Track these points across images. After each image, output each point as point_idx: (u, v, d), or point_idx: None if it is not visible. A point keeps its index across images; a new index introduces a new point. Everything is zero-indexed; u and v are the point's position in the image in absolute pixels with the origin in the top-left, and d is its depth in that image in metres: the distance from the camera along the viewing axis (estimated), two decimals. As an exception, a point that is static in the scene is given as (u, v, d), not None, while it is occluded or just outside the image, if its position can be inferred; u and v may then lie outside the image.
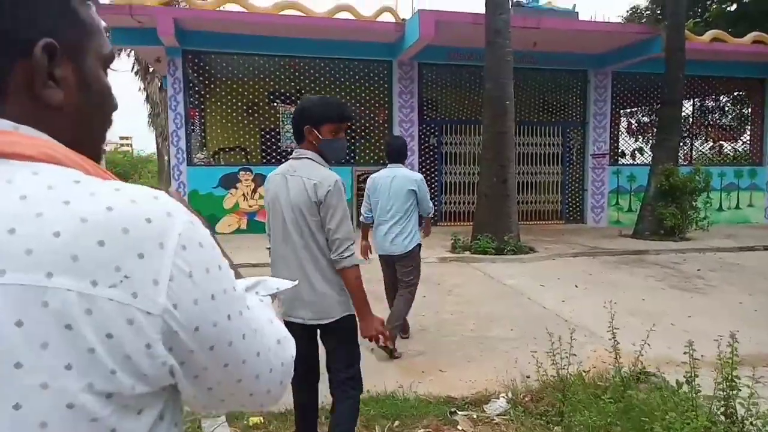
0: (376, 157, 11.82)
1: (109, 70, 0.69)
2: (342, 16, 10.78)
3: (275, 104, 11.60)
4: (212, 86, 12.34)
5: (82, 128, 0.64)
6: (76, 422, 0.51)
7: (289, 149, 11.69)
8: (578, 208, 13.18)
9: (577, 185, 13.18)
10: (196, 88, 11.38)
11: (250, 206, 11.00)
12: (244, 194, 10.96)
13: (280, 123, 11.44)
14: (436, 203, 12.25)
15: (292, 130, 2.36)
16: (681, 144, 14.73)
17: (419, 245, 4.40)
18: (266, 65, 11.38)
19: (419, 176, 4.42)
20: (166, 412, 0.61)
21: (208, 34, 10.47)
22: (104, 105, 0.67)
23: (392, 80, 11.69)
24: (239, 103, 11.39)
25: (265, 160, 12.14)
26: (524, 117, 13.12)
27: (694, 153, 14.40)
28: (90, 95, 0.64)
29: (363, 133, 11.84)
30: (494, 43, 8.81)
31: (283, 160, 2.60)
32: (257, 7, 10.49)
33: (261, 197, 10.98)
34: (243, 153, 12.92)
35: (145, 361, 0.54)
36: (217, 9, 10.16)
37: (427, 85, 12.12)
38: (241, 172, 10.97)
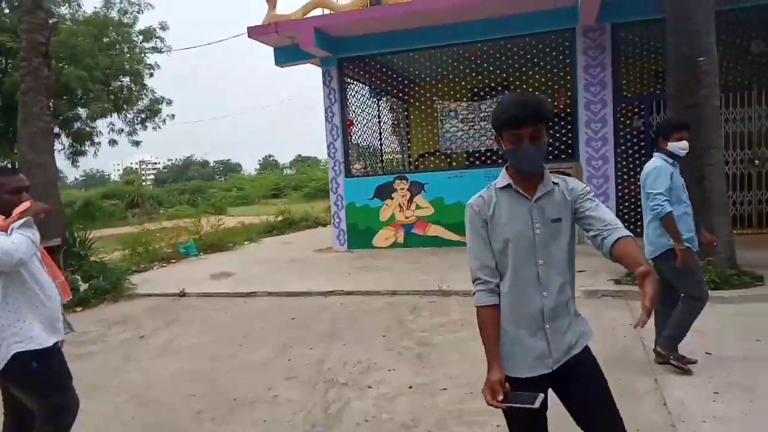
0: (556, 152, 9.50)
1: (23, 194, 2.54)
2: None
3: (440, 103, 10.33)
4: (407, 90, 11.97)
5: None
6: None
7: (449, 150, 10.39)
8: None
9: None
10: (366, 95, 11.02)
11: (407, 218, 10.05)
12: (399, 205, 10.06)
13: (438, 123, 10.16)
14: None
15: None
16: None
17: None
18: (430, 60, 10.29)
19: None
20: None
21: (361, 37, 9.92)
22: (6, 204, 2.46)
23: (575, 52, 9.19)
24: (426, 106, 10.71)
25: (467, 163, 11.07)
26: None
27: None
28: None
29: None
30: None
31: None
32: (398, -2, 9.49)
33: (418, 207, 9.96)
34: (445, 156, 11.74)
35: None
36: (359, 8, 9.53)
37: (627, 53, 9.19)
38: (396, 181, 10.10)
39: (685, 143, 3.88)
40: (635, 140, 9.21)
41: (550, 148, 9.49)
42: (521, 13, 9.02)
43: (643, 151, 9.14)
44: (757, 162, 8.23)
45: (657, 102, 9.05)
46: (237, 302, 6.80)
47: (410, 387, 3.88)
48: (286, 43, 9.94)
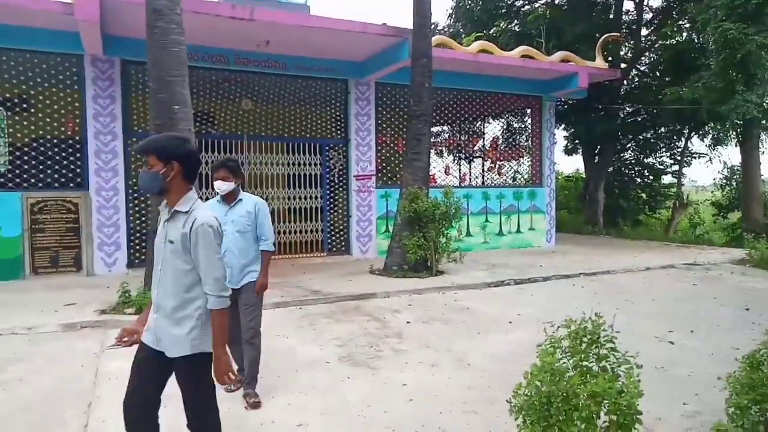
0: (63, 179, 8.97)
1: None
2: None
3: None
4: None
5: None
6: None
7: None
8: (343, 238, 11.40)
9: (341, 211, 11.41)
10: None
11: None
12: None
13: None
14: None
15: None
16: (461, 164, 13.80)
17: None
18: None
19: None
20: None
21: None
22: None
23: (84, 81, 8.97)
24: None
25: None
26: (277, 132, 11.16)
27: (476, 175, 13.44)
28: None
29: (43, 149, 8.91)
30: (155, 28, 6.52)
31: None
32: None
33: None
34: None
35: None
36: None
37: (138, 89, 9.56)
38: None
39: (219, 183, 3.92)
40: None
41: (56, 176, 8.94)
42: (26, 25, 8.27)
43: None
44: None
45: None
46: None
47: None
48: None
